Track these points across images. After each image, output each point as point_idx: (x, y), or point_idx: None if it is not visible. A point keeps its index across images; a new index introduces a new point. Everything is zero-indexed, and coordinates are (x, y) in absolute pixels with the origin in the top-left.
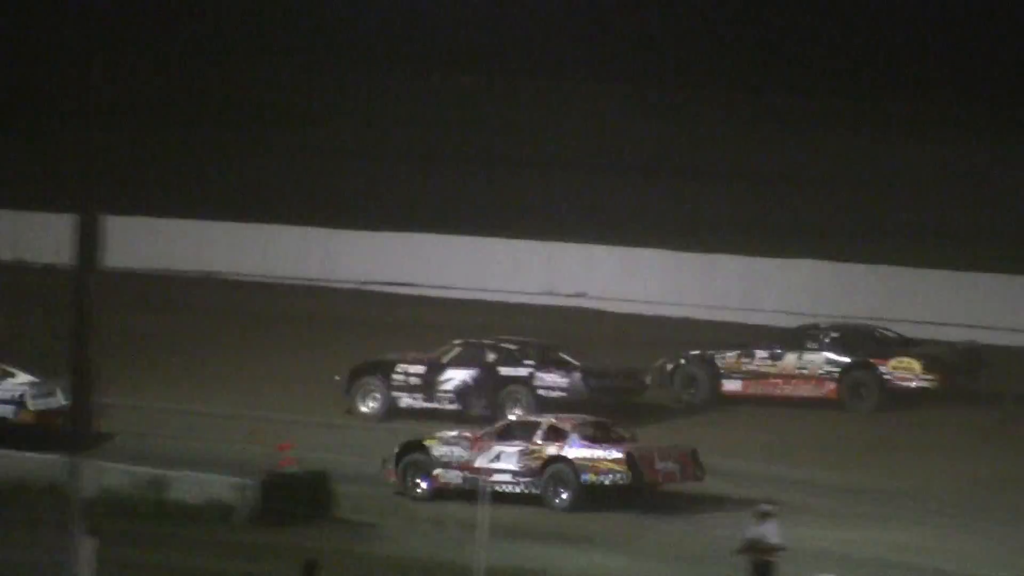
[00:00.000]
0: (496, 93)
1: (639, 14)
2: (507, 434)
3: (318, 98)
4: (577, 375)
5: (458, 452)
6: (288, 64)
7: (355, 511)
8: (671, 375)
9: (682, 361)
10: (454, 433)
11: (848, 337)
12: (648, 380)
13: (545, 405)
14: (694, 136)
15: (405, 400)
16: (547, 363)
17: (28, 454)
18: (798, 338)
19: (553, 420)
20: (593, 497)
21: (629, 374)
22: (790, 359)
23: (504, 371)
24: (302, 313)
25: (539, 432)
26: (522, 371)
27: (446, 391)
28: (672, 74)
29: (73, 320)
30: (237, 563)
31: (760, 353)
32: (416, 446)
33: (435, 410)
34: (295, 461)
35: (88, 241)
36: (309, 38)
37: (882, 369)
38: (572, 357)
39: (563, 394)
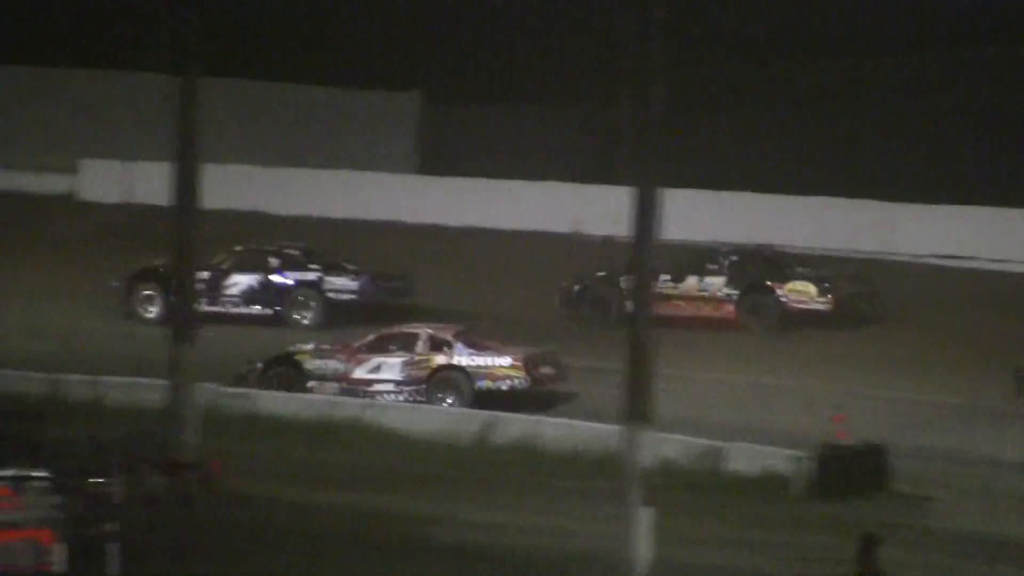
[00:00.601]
0: None
1: None
2: (382, 346)
3: (862, 76)
4: (366, 277)
5: (333, 365)
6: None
7: (912, 484)
8: (578, 297)
9: (587, 283)
10: (310, 346)
11: (747, 261)
12: (557, 302)
13: (334, 308)
14: None
15: None
16: (332, 267)
17: (583, 423)
18: (699, 261)
19: (430, 330)
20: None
21: (404, 277)
22: (691, 282)
23: (292, 275)
24: None
25: (420, 343)
26: (310, 275)
27: (232, 295)
28: None
29: (632, 293)
30: (793, 535)
31: (663, 276)
32: (285, 360)
33: (220, 313)
34: (849, 433)
35: (646, 214)
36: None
37: (779, 292)
38: (345, 261)
39: (353, 296)
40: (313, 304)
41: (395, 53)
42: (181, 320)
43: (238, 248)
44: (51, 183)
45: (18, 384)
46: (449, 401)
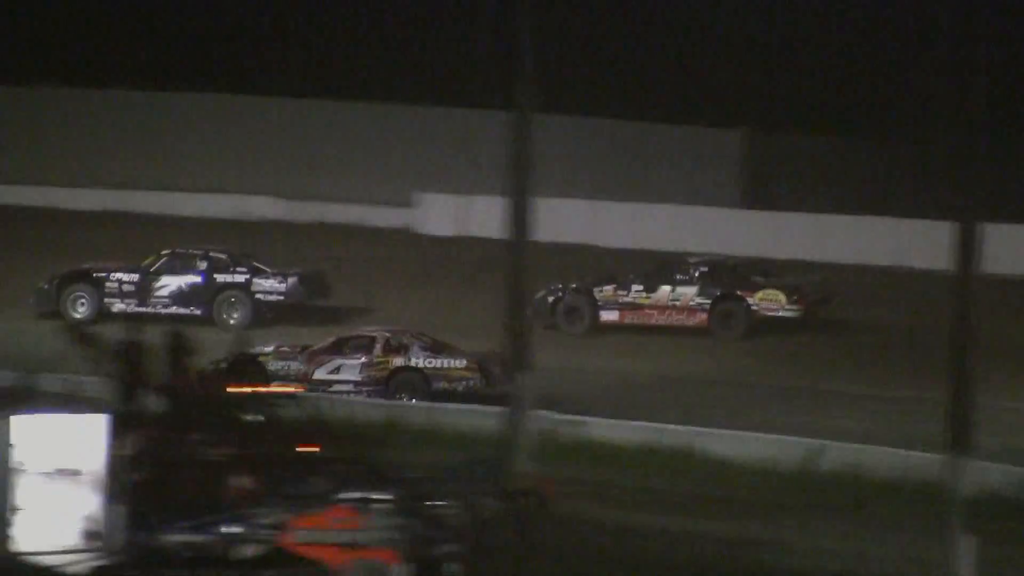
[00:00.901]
0: None
1: None
2: (342, 349)
3: None
4: (294, 280)
5: (295, 366)
6: None
7: None
8: (552, 307)
9: (561, 294)
10: (271, 348)
11: (716, 270)
12: (528, 311)
13: (263, 309)
14: None
15: (118, 306)
16: (256, 270)
17: (909, 452)
18: (668, 271)
19: (388, 334)
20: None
21: (321, 279)
22: (663, 291)
23: (221, 277)
24: None
25: (378, 345)
26: (239, 277)
27: (161, 296)
28: None
29: (953, 327)
30: None
31: (635, 286)
32: (249, 361)
33: (150, 314)
34: None
35: (968, 248)
36: None
37: (750, 300)
38: (262, 264)
39: (281, 298)
40: (241, 305)
41: (719, 88)
42: (516, 348)
43: (165, 252)
44: (388, 216)
45: (355, 409)
46: (405, 400)
